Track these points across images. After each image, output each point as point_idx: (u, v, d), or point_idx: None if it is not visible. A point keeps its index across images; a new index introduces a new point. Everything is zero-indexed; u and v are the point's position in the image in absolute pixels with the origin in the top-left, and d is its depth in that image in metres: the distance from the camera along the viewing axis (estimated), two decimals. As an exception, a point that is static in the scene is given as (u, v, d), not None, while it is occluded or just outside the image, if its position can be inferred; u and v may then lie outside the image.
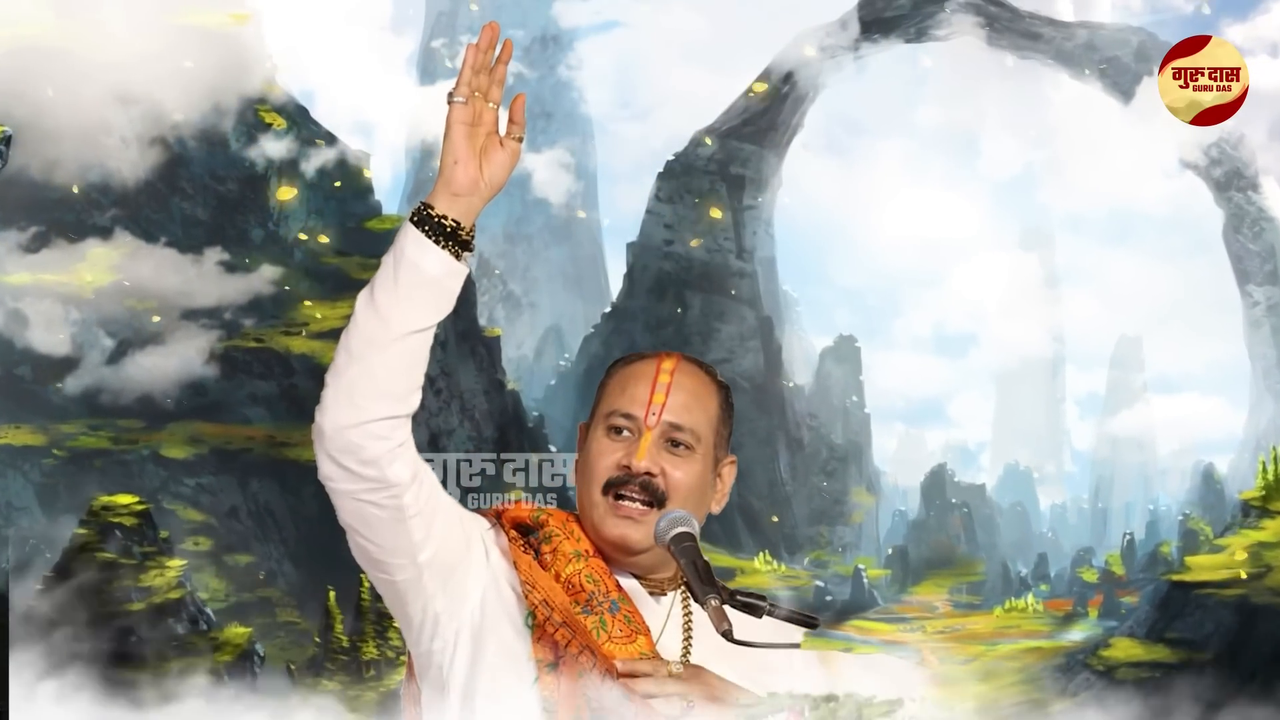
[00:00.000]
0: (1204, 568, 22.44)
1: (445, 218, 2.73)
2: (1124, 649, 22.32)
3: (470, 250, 2.75)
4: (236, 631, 19.42)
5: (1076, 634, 24.79)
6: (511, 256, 40.99)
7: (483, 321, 25.78)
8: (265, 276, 23.18)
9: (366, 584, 18.94)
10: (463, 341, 24.09)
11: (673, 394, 2.91)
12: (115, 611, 18.36)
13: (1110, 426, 46.78)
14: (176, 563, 19.39)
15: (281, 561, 21.86)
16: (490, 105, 2.76)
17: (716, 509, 2.96)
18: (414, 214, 2.74)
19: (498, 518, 2.92)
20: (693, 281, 28.99)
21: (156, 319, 22.33)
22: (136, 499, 19.61)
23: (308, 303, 23.25)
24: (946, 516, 30.97)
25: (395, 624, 19.19)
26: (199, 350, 22.44)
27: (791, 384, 30.06)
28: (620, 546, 2.87)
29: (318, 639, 20.03)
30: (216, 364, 22.53)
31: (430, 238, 2.72)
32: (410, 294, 2.71)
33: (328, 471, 2.75)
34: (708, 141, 29.48)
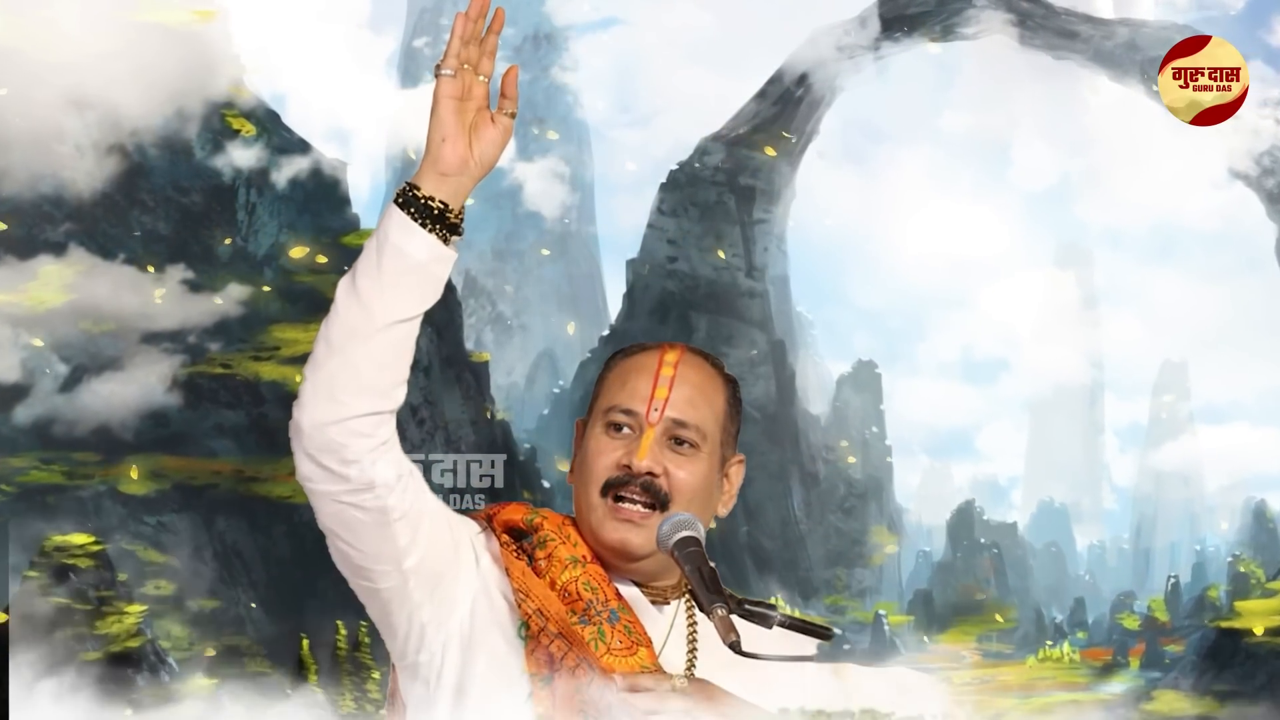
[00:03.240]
0: (1255, 614, 22.46)
1: (432, 199, 2.76)
2: (1168, 702, 22.32)
3: (459, 234, 2.78)
4: (201, 683, 19.41)
5: (1116, 686, 24.80)
6: (501, 275, 41.04)
7: (469, 345, 25.82)
8: (233, 296, 23.21)
9: (343, 631, 18.93)
10: (448, 367, 24.10)
11: (676, 388, 2.93)
12: (70, 661, 18.36)
13: (1153, 460, 46.78)
14: (136, 608, 19.40)
15: (250, 607, 21.83)
16: (480, 78, 2.80)
17: (723, 511, 2.97)
18: (399, 195, 2.77)
19: (488, 520, 2.93)
20: (698, 302, 29.02)
21: (114, 343, 22.35)
22: (92, 539, 19.62)
23: (279, 325, 23.28)
24: (975, 558, 30.96)
25: (374, 675, 19.08)
26: (160, 377, 22.45)
27: (807, 413, 30.09)
28: (620, 552, 2.89)
29: (289, 692, 20.01)
30: (179, 392, 22.54)
31: (416, 220, 2.75)
32: (395, 281, 2.73)
33: (306, 471, 2.78)
34: (716, 148, 29.54)
